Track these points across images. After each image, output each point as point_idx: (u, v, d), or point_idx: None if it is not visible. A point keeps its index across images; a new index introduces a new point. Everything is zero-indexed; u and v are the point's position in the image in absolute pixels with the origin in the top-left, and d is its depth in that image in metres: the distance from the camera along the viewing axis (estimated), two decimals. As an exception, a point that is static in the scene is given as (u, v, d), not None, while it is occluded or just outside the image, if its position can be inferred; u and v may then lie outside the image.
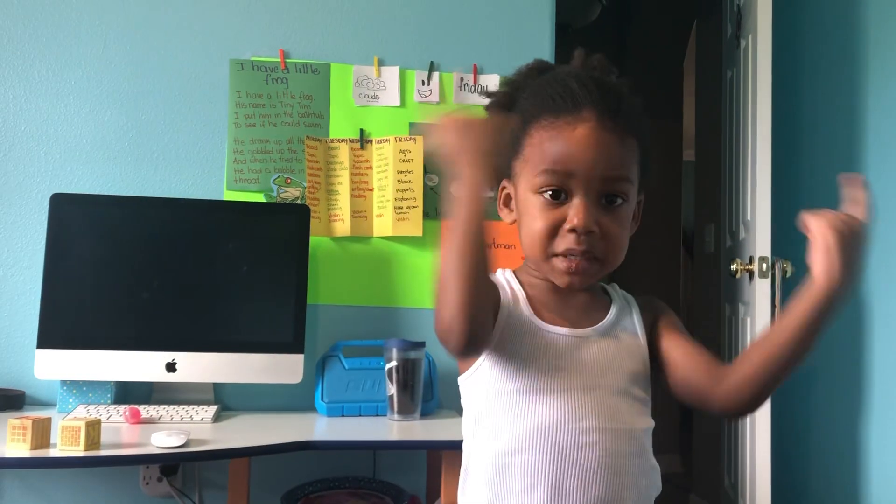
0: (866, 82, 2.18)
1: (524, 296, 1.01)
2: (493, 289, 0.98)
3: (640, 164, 1.00)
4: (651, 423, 1.02)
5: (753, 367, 0.93)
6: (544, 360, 0.97)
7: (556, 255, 0.95)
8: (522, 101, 1.03)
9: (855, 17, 2.24)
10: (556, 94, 0.97)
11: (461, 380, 1.03)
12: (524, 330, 0.98)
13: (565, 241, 0.94)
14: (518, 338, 0.98)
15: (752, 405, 0.96)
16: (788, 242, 2.47)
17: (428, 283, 2.10)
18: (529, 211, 0.98)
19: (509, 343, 0.97)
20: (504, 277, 1.05)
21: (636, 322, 1.04)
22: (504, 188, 1.06)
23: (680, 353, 1.01)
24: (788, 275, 2.16)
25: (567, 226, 0.94)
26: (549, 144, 0.96)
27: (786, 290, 2.18)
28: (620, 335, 1.02)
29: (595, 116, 0.95)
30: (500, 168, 1.03)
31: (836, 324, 2.43)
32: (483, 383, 0.99)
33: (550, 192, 0.95)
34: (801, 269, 2.31)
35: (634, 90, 1.05)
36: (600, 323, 1.01)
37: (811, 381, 2.39)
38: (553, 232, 0.95)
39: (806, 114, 2.51)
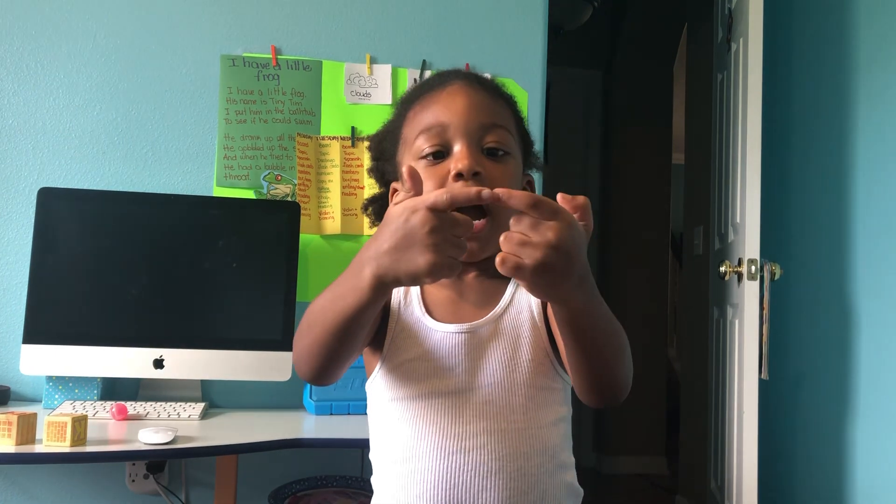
0: (857, 86, 2.19)
1: (418, 292, 0.97)
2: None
3: (518, 132, 1.00)
4: (562, 412, 0.95)
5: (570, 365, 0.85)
6: (431, 363, 0.92)
7: None
8: (396, 111, 1.04)
9: (846, 21, 2.26)
10: (426, 82, 1.02)
11: (366, 386, 0.99)
12: (413, 333, 0.94)
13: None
14: (408, 343, 0.94)
15: (596, 402, 0.86)
16: (777, 245, 2.48)
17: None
18: None
19: (400, 350, 0.94)
20: None
21: (532, 303, 0.95)
22: (395, 190, 1.02)
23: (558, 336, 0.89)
24: (777, 277, 2.17)
25: (452, 172, 0.91)
26: (423, 113, 0.97)
27: (774, 292, 2.19)
28: (517, 321, 0.94)
29: (461, 81, 0.98)
30: (389, 171, 1.03)
31: (822, 327, 2.44)
32: (379, 391, 0.96)
33: (431, 154, 0.94)
34: (790, 272, 2.33)
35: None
36: (491, 313, 0.94)
37: (798, 384, 2.41)
38: (440, 186, 0.91)
39: (796, 117, 2.52)
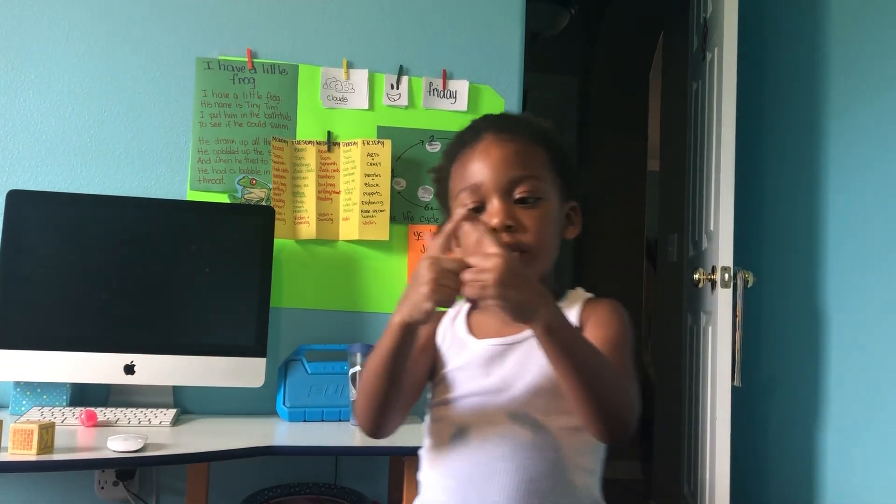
0: (828, 95, 2.22)
1: (464, 316, 1.13)
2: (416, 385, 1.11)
3: (553, 168, 1.09)
4: (575, 422, 1.02)
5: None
6: (470, 371, 1.07)
7: None
8: (444, 161, 1.16)
9: (819, 32, 2.29)
10: (463, 133, 1.13)
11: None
12: (457, 348, 1.10)
13: None
14: (451, 355, 1.10)
15: (601, 434, 0.95)
16: (750, 252, 2.50)
17: (394, 287, 2.09)
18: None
19: (446, 362, 1.10)
20: None
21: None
22: None
23: None
24: (750, 284, 2.19)
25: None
26: (461, 170, 1.09)
27: (747, 299, 2.21)
28: None
29: (493, 134, 1.08)
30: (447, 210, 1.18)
31: (793, 334, 2.46)
32: (430, 396, 1.13)
33: (473, 210, 1.05)
34: (763, 279, 2.35)
35: (552, 128, 1.16)
36: (527, 330, 1.02)
37: (769, 391, 2.43)
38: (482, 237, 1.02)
39: (769, 126, 2.55)
